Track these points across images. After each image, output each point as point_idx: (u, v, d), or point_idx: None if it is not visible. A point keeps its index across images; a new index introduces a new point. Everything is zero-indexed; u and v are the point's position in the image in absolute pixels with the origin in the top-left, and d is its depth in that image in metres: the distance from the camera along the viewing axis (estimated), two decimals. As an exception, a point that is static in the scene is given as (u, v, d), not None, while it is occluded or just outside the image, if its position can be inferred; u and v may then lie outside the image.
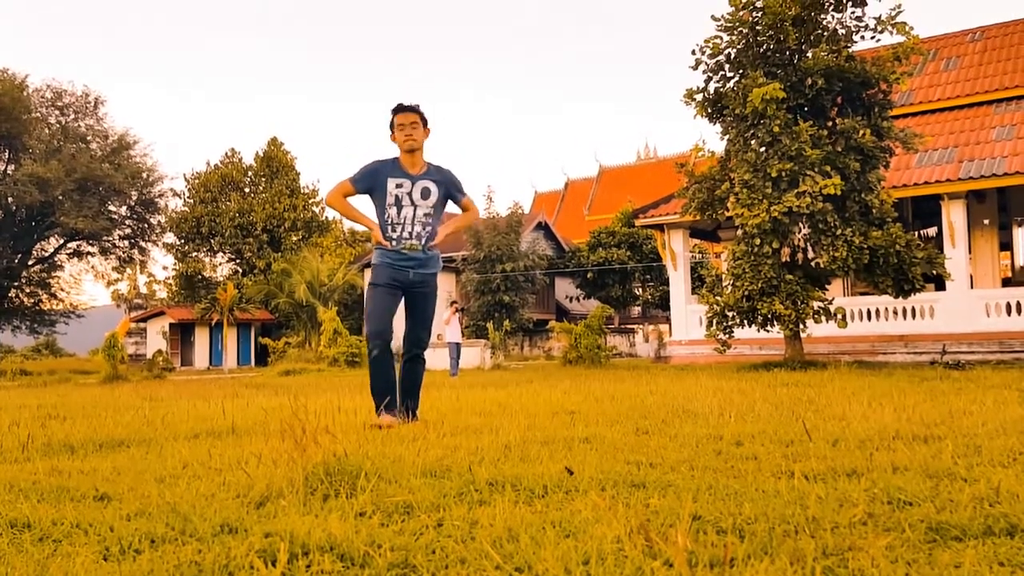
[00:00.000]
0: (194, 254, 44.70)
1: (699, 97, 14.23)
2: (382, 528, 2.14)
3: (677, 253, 20.44)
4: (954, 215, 17.05)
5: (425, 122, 4.93)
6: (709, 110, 14.24)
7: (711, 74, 14.13)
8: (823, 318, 13.33)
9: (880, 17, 13.24)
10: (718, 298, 13.86)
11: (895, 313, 17.34)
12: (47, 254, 38.30)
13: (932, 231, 19.63)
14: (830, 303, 13.52)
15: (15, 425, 5.65)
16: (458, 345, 17.72)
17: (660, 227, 20.77)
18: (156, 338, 40.73)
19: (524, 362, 26.98)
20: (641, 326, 34.61)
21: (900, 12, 13.12)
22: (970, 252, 18.37)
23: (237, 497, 2.60)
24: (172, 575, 1.79)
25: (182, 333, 41.20)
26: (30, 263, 37.52)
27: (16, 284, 36.72)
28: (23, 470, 3.42)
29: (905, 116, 18.72)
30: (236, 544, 1.98)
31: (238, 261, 44.91)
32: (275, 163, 45.11)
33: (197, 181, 44.56)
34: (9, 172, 34.89)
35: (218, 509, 2.39)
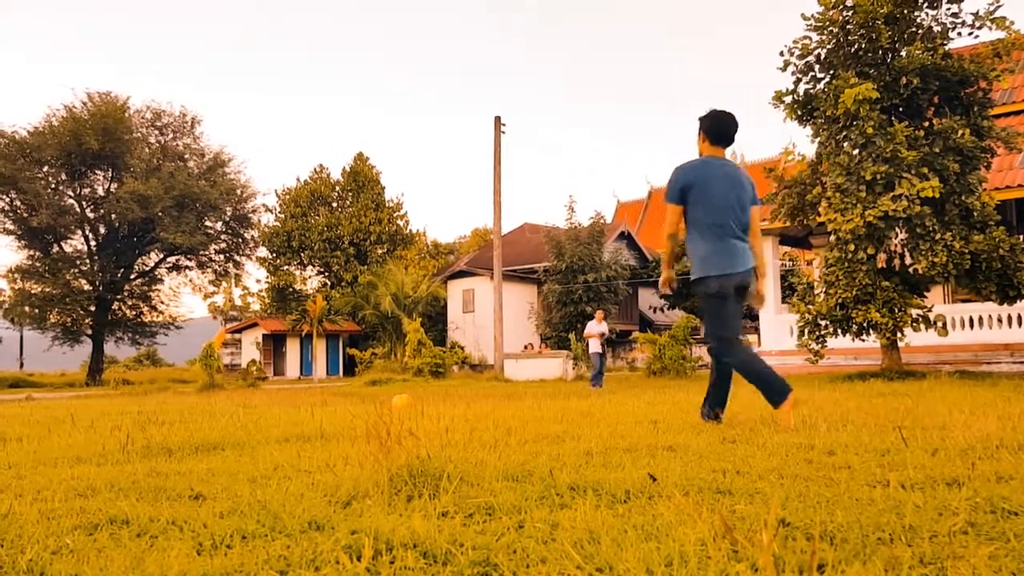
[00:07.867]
0: (285, 267, 46.04)
1: (788, 99, 13.92)
2: (464, 528, 2.16)
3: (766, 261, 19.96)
4: (1063, 218, 16.21)
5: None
6: (799, 112, 13.91)
7: (800, 75, 13.82)
8: (922, 326, 12.83)
9: (978, 12, 12.73)
10: (810, 307, 13.50)
11: (999, 321, 16.53)
12: (148, 268, 39.88)
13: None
14: (929, 311, 13.01)
15: (117, 429, 5.91)
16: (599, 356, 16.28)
17: (747, 235, 20.29)
18: (250, 348, 42.14)
19: (607, 373, 26.77)
20: (728, 336, 33.86)
21: (999, 7, 12.60)
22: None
23: (325, 496, 2.66)
24: (261, 568, 1.84)
25: (274, 344, 42.52)
26: (132, 277, 39.12)
27: (119, 297, 38.31)
28: (123, 471, 3.57)
29: (1007, 115, 17.90)
30: (323, 540, 2.03)
31: (326, 274, 46.07)
32: (361, 178, 46.18)
33: (288, 197, 45.95)
34: (112, 190, 36.49)
35: (306, 508, 2.45)
